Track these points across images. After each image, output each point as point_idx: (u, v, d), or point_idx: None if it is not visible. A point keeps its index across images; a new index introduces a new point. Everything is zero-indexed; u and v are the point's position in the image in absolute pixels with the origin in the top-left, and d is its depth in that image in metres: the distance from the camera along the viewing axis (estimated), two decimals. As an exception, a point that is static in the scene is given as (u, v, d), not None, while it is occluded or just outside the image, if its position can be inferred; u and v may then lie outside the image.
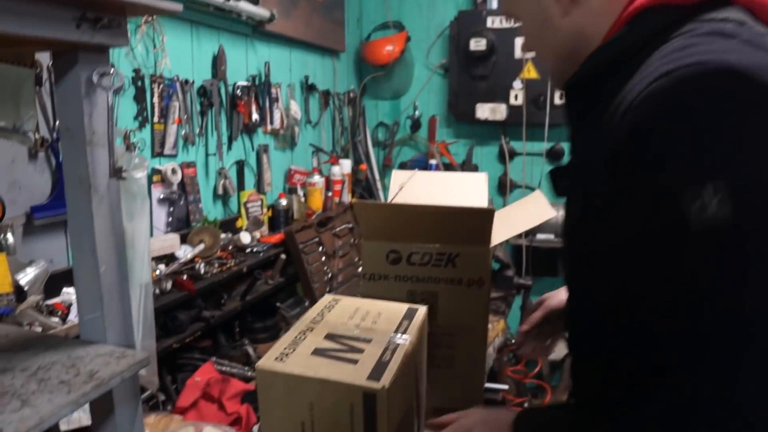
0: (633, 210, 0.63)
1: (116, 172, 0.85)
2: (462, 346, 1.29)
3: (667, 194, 0.59)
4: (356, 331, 1.07)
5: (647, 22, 0.72)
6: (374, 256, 1.31)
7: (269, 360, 0.97)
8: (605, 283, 0.71)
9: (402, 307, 1.17)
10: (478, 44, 2.93)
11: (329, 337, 1.05)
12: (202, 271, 1.69)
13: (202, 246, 1.73)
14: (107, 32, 0.78)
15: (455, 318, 1.29)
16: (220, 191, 2.09)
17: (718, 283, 0.56)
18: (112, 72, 0.79)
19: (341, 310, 1.15)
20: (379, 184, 3.31)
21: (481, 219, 1.23)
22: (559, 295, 1.23)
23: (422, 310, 1.16)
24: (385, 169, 3.37)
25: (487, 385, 1.87)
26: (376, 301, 1.22)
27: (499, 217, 1.30)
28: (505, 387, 1.97)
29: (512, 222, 1.56)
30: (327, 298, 1.22)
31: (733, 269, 0.56)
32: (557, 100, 2.96)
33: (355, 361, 0.96)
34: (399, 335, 1.05)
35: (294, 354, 0.99)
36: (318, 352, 1.00)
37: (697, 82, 0.59)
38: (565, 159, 3.09)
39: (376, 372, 0.93)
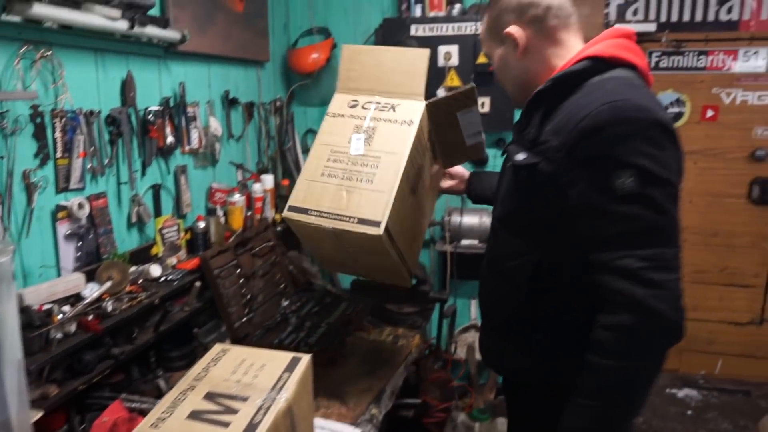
0: (583, 174, 1.12)
1: (-27, 265, 0.87)
2: (383, 166, 1.55)
3: (607, 172, 1.08)
4: (235, 388, 1.12)
5: (592, 64, 1.20)
6: (340, 102, 1.70)
7: (145, 426, 1.01)
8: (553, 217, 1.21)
9: (286, 357, 1.22)
10: (400, 54, 2.96)
11: (208, 396, 1.09)
12: (110, 308, 1.70)
13: (109, 283, 1.74)
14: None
15: (384, 144, 1.59)
16: (134, 219, 2.09)
17: (631, 220, 1.08)
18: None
19: (227, 363, 1.20)
20: (310, 191, 3.33)
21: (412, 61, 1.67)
22: (461, 172, 1.95)
23: (305, 360, 1.21)
24: (316, 176, 3.39)
25: (400, 401, 1.96)
26: (263, 350, 1.26)
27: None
28: (417, 401, 2.07)
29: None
30: (216, 349, 1.26)
31: (637, 212, 1.07)
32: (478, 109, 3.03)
33: (227, 424, 1.01)
34: (276, 392, 1.11)
35: (171, 418, 1.03)
36: (194, 415, 1.04)
37: (626, 110, 1.09)
38: (490, 163, 3.18)
39: (245, 437, 0.98)
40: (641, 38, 3.24)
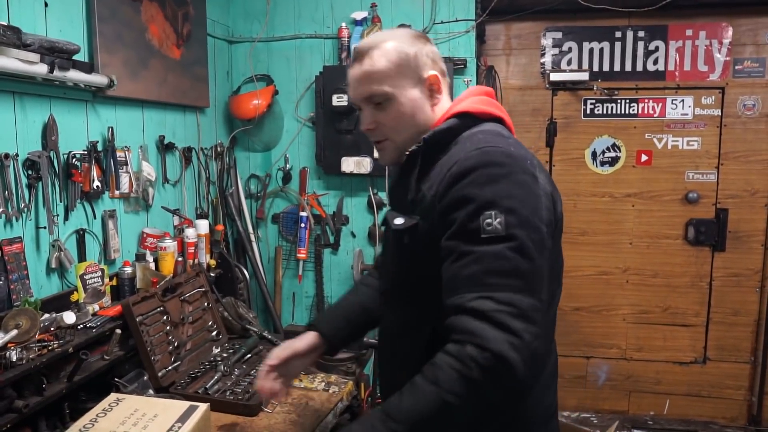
0: (453, 217, 1.08)
1: None
2: None
3: (473, 212, 1.05)
4: (121, 440, 1.07)
5: (462, 120, 1.22)
6: None
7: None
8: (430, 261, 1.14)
9: (182, 406, 1.17)
10: (339, 100, 3.01)
11: (90, 449, 1.04)
12: (14, 358, 1.62)
13: (15, 331, 1.66)
14: None
15: None
16: (55, 265, 2.02)
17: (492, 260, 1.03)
18: None
19: (118, 414, 1.15)
20: (252, 236, 3.30)
21: None
22: (304, 339, 1.47)
23: (201, 409, 1.16)
24: (258, 221, 3.37)
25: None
26: (160, 400, 1.22)
27: None
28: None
29: None
30: (110, 398, 1.21)
31: (501, 252, 1.03)
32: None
33: (104, 479, 0.96)
34: (163, 443, 1.06)
35: (44, 473, 0.97)
36: (70, 470, 0.98)
37: (495, 155, 1.09)
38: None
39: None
40: (575, 86, 3.36)
